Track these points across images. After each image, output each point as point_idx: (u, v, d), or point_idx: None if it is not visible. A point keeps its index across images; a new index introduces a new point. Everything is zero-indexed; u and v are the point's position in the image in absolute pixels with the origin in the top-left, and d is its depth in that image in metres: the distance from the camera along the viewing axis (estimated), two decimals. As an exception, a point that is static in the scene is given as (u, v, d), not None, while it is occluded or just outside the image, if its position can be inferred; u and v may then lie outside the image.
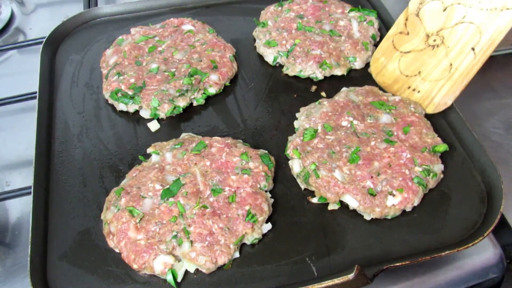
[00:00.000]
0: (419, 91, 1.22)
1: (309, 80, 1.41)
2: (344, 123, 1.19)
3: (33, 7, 1.88)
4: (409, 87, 1.24)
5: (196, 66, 1.37)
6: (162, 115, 1.31)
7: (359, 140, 1.16)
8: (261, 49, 1.47)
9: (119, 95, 1.32)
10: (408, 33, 1.24)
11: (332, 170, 1.12)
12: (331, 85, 1.37)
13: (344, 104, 1.23)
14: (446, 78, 1.18)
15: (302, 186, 1.16)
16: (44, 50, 1.48)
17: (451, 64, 1.17)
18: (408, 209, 1.10)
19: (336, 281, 0.95)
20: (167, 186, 1.10)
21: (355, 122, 1.19)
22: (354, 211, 1.11)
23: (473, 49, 1.13)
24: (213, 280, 1.02)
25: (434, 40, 1.18)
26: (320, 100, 1.30)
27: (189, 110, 1.35)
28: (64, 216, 1.13)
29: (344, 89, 1.32)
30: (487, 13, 1.13)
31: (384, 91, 1.33)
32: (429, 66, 1.22)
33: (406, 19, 1.25)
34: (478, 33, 1.13)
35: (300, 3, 1.57)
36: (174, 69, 1.37)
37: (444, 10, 1.18)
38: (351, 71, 1.43)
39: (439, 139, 1.18)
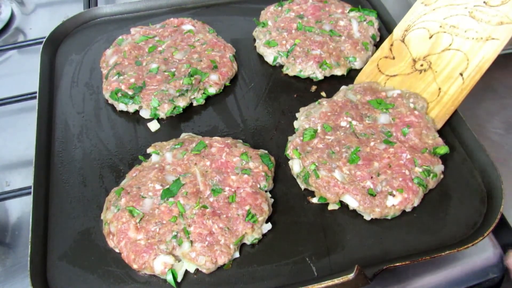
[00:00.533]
0: None
1: (309, 80, 1.41)
2: (343, 124, 1.19)
3: (33, 7, 1.88)
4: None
5: (196, 66, 1.37)
6: (162, 115, 1.31)
7: (358, 141, 1.16)
8: (261, 49, 1.47)
9: (119, 95, 1.32)
10: (393, 58, 1.25)
11: (332, 170, 1.12)
12: (331, 85, 1.37)
13: (343, 104, 1.23)
14: (435, 101, 1.19)
15: (302, 186, 1.16)
16: (44, 50, 1.48)
17: (439, 88, 1.18)
18: (408, 209, 1.10)
19: (336, 281, 0.95)
20: (167, 186, 1.10)
21: (354, 122, 1.19)
22: (354, 211, 1.11)
23: (461, 74, 1.16)
24: (213, 280, 1.02)
25: (421, 65, 1.20)
26: (319, 100, 1.30)
27: (189, 110, 1.35)
28: (64, 216, 1.13)
29: (343, 87, 1.32)
30: (473, 41, 1.16)
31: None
32: (417, 89, 1.22)
33: (392, 45, 1.27)
34: (466, 59, 1.16)
35: (300, 3, 1.57)
36: (174, 69, 1.37)
37: (430, 37, 1.21)
38: (351, 71, 1.43)
39: (440, 139, 1.18)
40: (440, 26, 1.19)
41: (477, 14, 1.14)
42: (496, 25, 1.13)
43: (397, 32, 1.26)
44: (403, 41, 1.23)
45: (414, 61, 1.20)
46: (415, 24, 1.23)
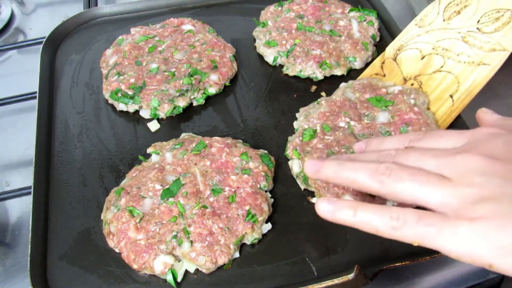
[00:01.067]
0: None
1: (309, 80, 1.41)
2: (341, 124, 1.19)
3: (33, 7, 1.88)
4: None
5: (196, 66, 1.37)
6: (162, 115, 1.31)
7: (357, 141, 1.16)
8: (261, 49, 1.47)
9: (119, 95, 1.32)
10: (384, 75, 1.26)
11: (332, 170, 1.12)
12: (331, 85, 1.37)
13: (341, 104, 1.23)
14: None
15: (302, 186, 1.16)
16: (44, 50, 1.48)
17: (428, 108, 1.18)
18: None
19: (336, 281, 0.95)
20: (167, 186, 1.10)
21: (352, 123, 1.19)
22: (354, 211, 1.11)
23: (451, 96, 1.16)
24: (213, 280, 1.02)
25: (412, 84, 1.21)
26: (318, 100, 1.30)
27: (189, 110, 1.35)
28: (64, 216, 1.13)
29: (342, 85, 1.32)
30: (465, 65, 1.17)
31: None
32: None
33: (383, 62, 1.28)
34: (457, 82, 1.16)
35: (300, 3, 1.57)
36: (174, 69, 1.37)
37: (422, 58, 1.22)
38: (351, 71, 1.43)
39: None
40: (433, 48, 1.21)
41: (470, 39, 1.17)
42: (488, 51, 1.15)
43: (389, 50, 1.28)
44: (394, 59, 1.25)
45: (405, 80, 1.22)
46: (407, 44, 1.25)
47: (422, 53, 1.20)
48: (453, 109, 1.16)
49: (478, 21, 1.16)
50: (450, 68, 1.17)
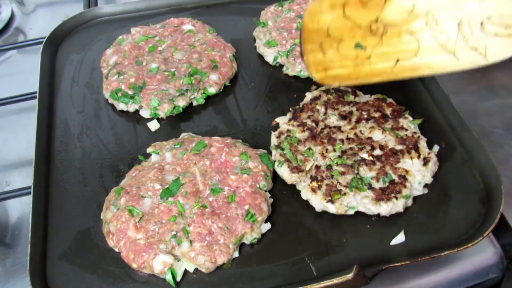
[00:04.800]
0: (324, 54, 1.13)
1: (309, 80, 1.41)
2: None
3: (33, 7, 1.88)
4: (320, 44, 1.15)
5: (196, 66, 1.38)
6: (162, 114, 1.31)
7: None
8: (261, 49, 1.47)
9: (119, 94, 1.32)
10: (365, 5, 1.13)
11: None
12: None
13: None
14: (354, 63, 1.10)
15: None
16: (44, 50, 1.48)
17: (369, 57, 1.10)
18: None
19: (335, 281, 0.95)
20: (167, 186, 1.10)
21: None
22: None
23: (397, 60, 1.08)
24: (212, 280, 1.02)
25: (377, 28, 1.10)
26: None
27: (189, 109, 1.35)
28: (63, 215, 1.14)
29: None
30: (436, 44, 1.07)
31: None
32: (351, 43, 1.13)
33: None
34: (414, 54, 1.08)
35: (300, 3, 1.57)
36: (174, 69, 1.37)
37: (409, 13, 1.14)
38: (351, 71, 1.43)
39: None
40: (426, 11, 1.08)
41: (464, 27, 1.06)
42: (469, 48, 1.05)
43: None
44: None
45: (376, 20, 1.12)
46: None
47: (414, 8, 1.08)
48: (388, 71, 1.08)
49: (489, 17, 1.04)
50: (422, 38, 1.07)
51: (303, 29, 1.15)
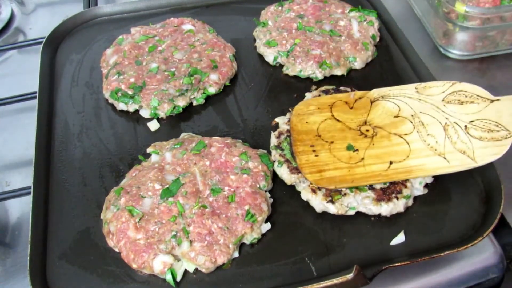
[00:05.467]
0: (317, 155, 1.13)
1: (309, 80, 1.41)
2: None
3: (33, 7, 1.88)
4: (312, 146, 1.15)
5: (196, 65, 1.37)
6: (162, 114, 1.31)
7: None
8: (261, 49, 1.47)
9: (119, 94, 1.32)
10: (352, 108, 1.21)
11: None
12: (331, 85, 1.37)
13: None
14: (348, 165, 1.12)
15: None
16: (44, 50, 1.48)
17: (362, 158, 1.13)
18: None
19: (335, 281, 0.95)
20: (167, 186, 1.10)
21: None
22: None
23: (391, 163, 1.11)
24: (212, 280, 1.02)
25: (367, 130, 1.15)
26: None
27: (189, 109, 1.35)
28: (63, 215, 1.13)
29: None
30: (426, 147, 1.12)
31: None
32: (345, 143, 1.16)
33: (360, 98, 1.23)
34: (406, 155, 1.11)
35: (301, 3, 1.57)
36: (174, 69, 1.37)
37: (396, 116, 1.17)
38: (351, 71, 1.43)
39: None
40: (412, 115, 1.17)
41: (450, 130, 1.13)
42: (457, 150, 1.10)
43: (373, 92, 1.21)
44: (372, 102, 1.21)
45: (365, 122, 1.17)
46: (394, 97, 1.21)
47: (399, 112, 1.17)
48: (383, 173, 1.10)
49: (472, 121, 1.12)
50: (412, 140, 1.13)
51: (292, 130, 1.18)
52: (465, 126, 1.12)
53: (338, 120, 1.20)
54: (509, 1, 1.47)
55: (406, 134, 1.14)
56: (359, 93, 1.25)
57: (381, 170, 1.10)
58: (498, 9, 1.44)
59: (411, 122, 1.16)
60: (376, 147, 1.14)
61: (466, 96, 1.16)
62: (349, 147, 1.14)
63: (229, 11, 1.65)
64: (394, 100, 1.20)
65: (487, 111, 1.13)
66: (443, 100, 1.17)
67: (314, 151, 1.14)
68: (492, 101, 1.14)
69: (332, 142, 1.16)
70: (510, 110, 1.11)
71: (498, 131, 1.10)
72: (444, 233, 1.08)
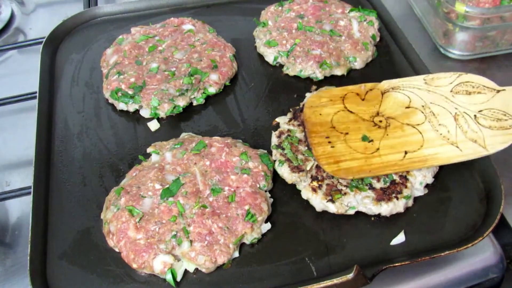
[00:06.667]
0: (333, 147, 1.14)
1: (309, 80, 1.41)
2: None
3: (33, 7, 1.88)
4: (327, 137, 1.16)
5: (196, 65, 1.37)
6: (162, 114, 1.31)
7: None
8: (262, 49, 1.47)
9: (119, 94, 1.32)
10: (363, 99, 1.23)
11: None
12: (331, 85, 1.37)
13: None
14: (364, 156, 1.13)
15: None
16: (44, 50, 1.48)
17: (378, 149, 1.14)
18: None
19: (335, 281, 0.95)
20: (167, 186, 1.10)
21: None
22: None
23: (406, 152, 1.13)
24: (212, 280, 1.02)
25: (380, 121, 1.17)
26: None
27: (189, 109, 1.35)
28: (63, 215, 1.13)
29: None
30: (438, 136, 1.14)
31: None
32: (360, 134, 1.17)
33: (371, 89, 1.25)
34: (420, 145, 1.13)
35: (301, 3, 1.57)
36: (174, 69, 1.37)
37: (407, 107, 1.19)
38: (351, 71, 1.43)
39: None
40: (422, 106, 1.19)
41: (461, 119, 1.15)
42: (468, 139, 1.13)
43: (384, 83, 1.23)
44: (383, 93, 1.23)
45: (378, 113, 1.19)
46: (404, 88, 1.23)
47: (410, 103, 1.20)
48: (399, 163, 1.11)
49: (481, 111, 1.15)
50: (424, 130, 1.16)
51: (306, 122, 1.19)
52: (475, 115, 1.15)
53: (351, 112, 1.21)
54: (509, 1, 1.47)
55: (418, 124, 1.17)
56: (369, 85, 1.26)
57: (397, 160, 1.12)
58: (498, 9, 1.45)
59: (422, 112, 1.18)
60: (390, 137, 1.16)
61: (473, 87, 1.18)
62: (364, 138, 1.16)
63: (229, 11, 1.65)
64: (404, 91, 1.22)
65: (494, 101, 1.16)
66: (451, 91, 1.20)
67: (329, 142, 1.15)
68: (498, 91, 1.17)
69: (347, 133, 1.17)
70: None
71: (506, 120, 1.13)
72: (444, 233, 1.08)
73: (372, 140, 1.15)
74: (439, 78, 1.23)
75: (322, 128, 1.18)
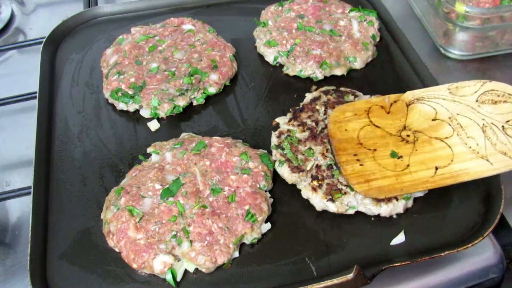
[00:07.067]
0: (362, 164, 1.11)
1: (309, 80, 1.41)
2: None
3: (33, 7, 1.88)
4: (355, 155, 1.12)
5: (196, 65, 1.37)
6: (162, 114, 1.31)
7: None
8: (262, 48, 1.47)
9: (119, 94, 1.32)
10: (388, 113, 1.19)
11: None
12: (331, 85, 1.37)
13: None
14: (395, 173, 1.10)
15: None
16: (44, 49, 1.48)
17: (408, 165, 1.11)
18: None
19: (335, 281, 0.95)
20: (167, 186, 1.10)
21: None
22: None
23: (436, 168, 1.09)
24: (212, 280, 1.02)
25: (408, 136, 1.14)
26: None
27: (189, 109, 1.35)
28: (64, 215, 1.14)
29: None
30: (468, 150, 1.10)
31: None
32: (388, 150, 1.14)
33: (395, 101, 1.21)
34: (450, 159, 1.10)
35: (301, 3, 1.57)
36: (174, 69, 1.37)
37: (434, 120, 1.15)
38: (351, 71, 1.43)
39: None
40: (449, 118, 1.15)
41: (489, 131, 1.11)
42: (498, 151, 1.09)
43: (408, 95, 1.20)
44: (408, 105, 1.19)
45: (404, 127, 1.16)
46: (429, 99, 1.18)
47: (436, 115, 1.15)
48: (430, 180, 1.08)
49: (508, 121, 1.11)
50: (453, 144, 1.12)
51: (332, 138, 1.15)
52: (502, 126, 1.11)
53: (377, 126, 1.17)
54: (509, 1, 1.47)
55: (446, 138, 1.13)
56: (393, 96, 1.22)
57: (428, 176, 1.09)
58: (498, 9, 1.44)
59: (450, 124, 1.14)
60: (419, 152, 1.12)
61: (498, 96, 1.14)
62: (393, 154, 1.12)
63: (229, 11, 1.65)
64: (430, 102, 1.18)
65: None
66: (477, 101, 1.15)
67: (358, 160, 1.11)
68: None
69: (375, 150, 1.13)
70: None
71: None
72: (444, 233, 1.08)
73: (401, 156, 1.12)
74: (463, 86, 1.18)
75: (349, 145, 1.14)
